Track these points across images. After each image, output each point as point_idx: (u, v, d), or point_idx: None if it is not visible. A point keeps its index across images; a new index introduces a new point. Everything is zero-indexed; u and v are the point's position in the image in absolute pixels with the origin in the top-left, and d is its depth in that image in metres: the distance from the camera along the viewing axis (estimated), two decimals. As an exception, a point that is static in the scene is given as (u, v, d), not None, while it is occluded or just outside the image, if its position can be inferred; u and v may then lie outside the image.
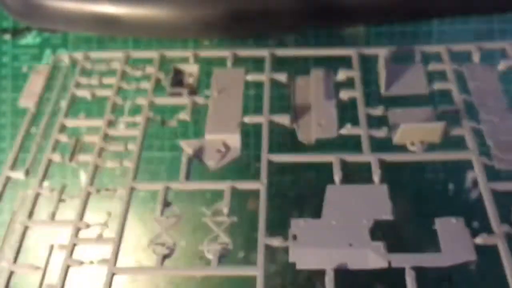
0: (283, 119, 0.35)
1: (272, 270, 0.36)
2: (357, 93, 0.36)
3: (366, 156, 0.32)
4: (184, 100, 0.37)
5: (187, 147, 0.34)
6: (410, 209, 0.34)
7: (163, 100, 0.37)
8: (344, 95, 0.36)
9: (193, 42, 0.42)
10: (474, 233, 0.28)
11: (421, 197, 0.35)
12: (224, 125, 0.35)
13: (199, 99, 0.37)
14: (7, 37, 0.43)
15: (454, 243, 0.28)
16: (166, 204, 0.32)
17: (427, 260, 0.28)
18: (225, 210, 0.31)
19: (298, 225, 0.30)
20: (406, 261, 0.28)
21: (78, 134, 0.35)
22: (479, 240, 0.28)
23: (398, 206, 0.29)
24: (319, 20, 0.38)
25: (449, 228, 0.29)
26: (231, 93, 0.37)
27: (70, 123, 0.36)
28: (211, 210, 0.31)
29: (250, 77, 0.38)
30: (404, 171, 0.38)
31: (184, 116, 0.36)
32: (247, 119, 0.35)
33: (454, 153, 0.32)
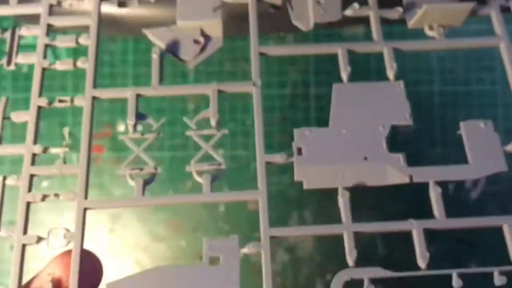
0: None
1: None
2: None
3: (378, 45, 0.27)
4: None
5: (158, 38, 0.27)
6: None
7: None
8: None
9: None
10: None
11: (421, 197, 0.33)
12: (200, 7, 0.28)
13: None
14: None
15: (482, 151, 0.25)
16: (139, 116, 0.26)
17: (453, 173, 0.24)
18: (213, 121, 0.26)
19: (303, 136, 0.25)
20: (429, 175, 0.24)
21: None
22: (510, 147, 0.25)
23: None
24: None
25: (476, 134, 0.25)
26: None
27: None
28: (195, 121, 0.26)
29: None
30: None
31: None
32: (229, -2, 0.28)
33: (479, 40, 0.27)
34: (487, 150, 0.25)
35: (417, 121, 0.33)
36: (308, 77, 0.40)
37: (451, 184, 0.36)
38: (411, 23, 0.27)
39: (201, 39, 0.27)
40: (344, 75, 0.26)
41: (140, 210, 0.38)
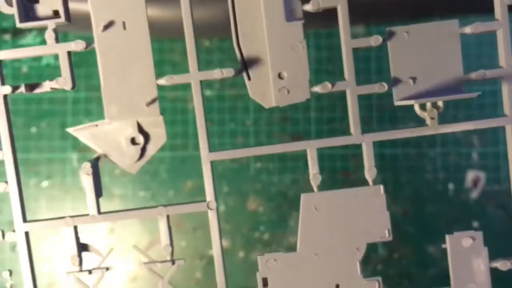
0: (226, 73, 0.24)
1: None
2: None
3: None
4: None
5: (91, 140, 0.24)
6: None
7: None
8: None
9: (193, 42, 0.39)
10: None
11: (421, 197, 0.32)
12: (132, 102, 0.24)
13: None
14: (7, 37, 0.42)
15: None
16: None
17: None
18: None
19: (268, 265, 0.23)
20: None
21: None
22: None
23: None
24: (319, 19, 0.32)
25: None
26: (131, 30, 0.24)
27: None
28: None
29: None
30: (404, 171, 0.37)
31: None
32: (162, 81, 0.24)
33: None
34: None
35: (417, 121, 0.34)
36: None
37: (451, 184, 0.36)
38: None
39: (140, 139, 0.24)
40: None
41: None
